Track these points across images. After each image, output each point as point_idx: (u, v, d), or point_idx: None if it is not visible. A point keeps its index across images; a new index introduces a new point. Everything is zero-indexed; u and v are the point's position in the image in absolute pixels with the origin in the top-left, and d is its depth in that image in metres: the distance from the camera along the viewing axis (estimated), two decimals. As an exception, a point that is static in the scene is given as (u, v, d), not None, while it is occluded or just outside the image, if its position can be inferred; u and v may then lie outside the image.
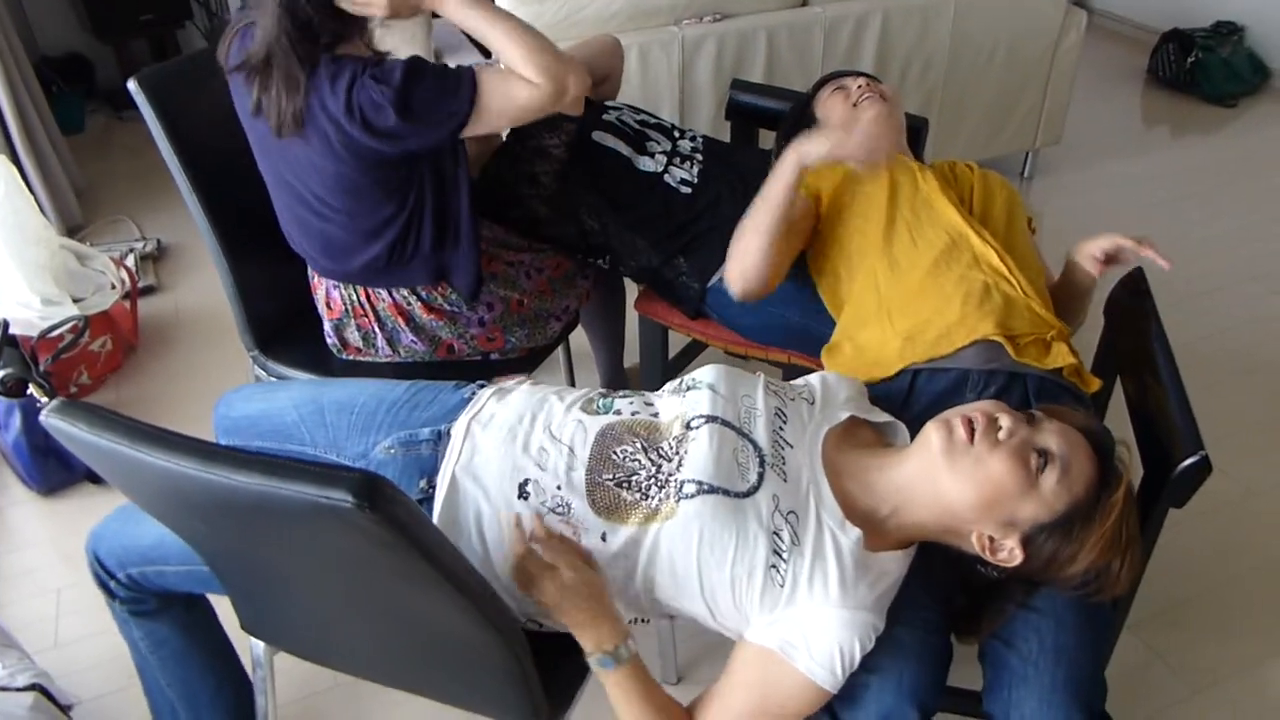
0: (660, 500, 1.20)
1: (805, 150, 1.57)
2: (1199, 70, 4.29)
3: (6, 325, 2.33)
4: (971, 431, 1.19)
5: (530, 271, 1.93)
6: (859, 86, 1.86)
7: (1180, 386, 1.37)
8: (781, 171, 1.60)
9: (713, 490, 1.18)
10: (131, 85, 1.75)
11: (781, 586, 1.17)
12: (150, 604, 1.51)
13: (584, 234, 1.98)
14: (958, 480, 1.18)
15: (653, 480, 1.22)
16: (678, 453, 1.23)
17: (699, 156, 2.00)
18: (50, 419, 1.00)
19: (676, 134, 2.04)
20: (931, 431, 1.22)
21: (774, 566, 1.16)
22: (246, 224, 1.83)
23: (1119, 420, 1.50)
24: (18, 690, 1.70)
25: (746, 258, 1.67)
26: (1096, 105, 4.27)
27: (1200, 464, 1.24)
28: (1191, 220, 3.46)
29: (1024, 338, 1.49)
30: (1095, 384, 1.52)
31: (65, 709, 1.80)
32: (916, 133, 2.08)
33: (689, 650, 1.95)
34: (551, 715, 1.27)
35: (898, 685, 1.23)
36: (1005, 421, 1.20)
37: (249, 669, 1.51)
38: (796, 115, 1.95)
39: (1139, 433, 1.46)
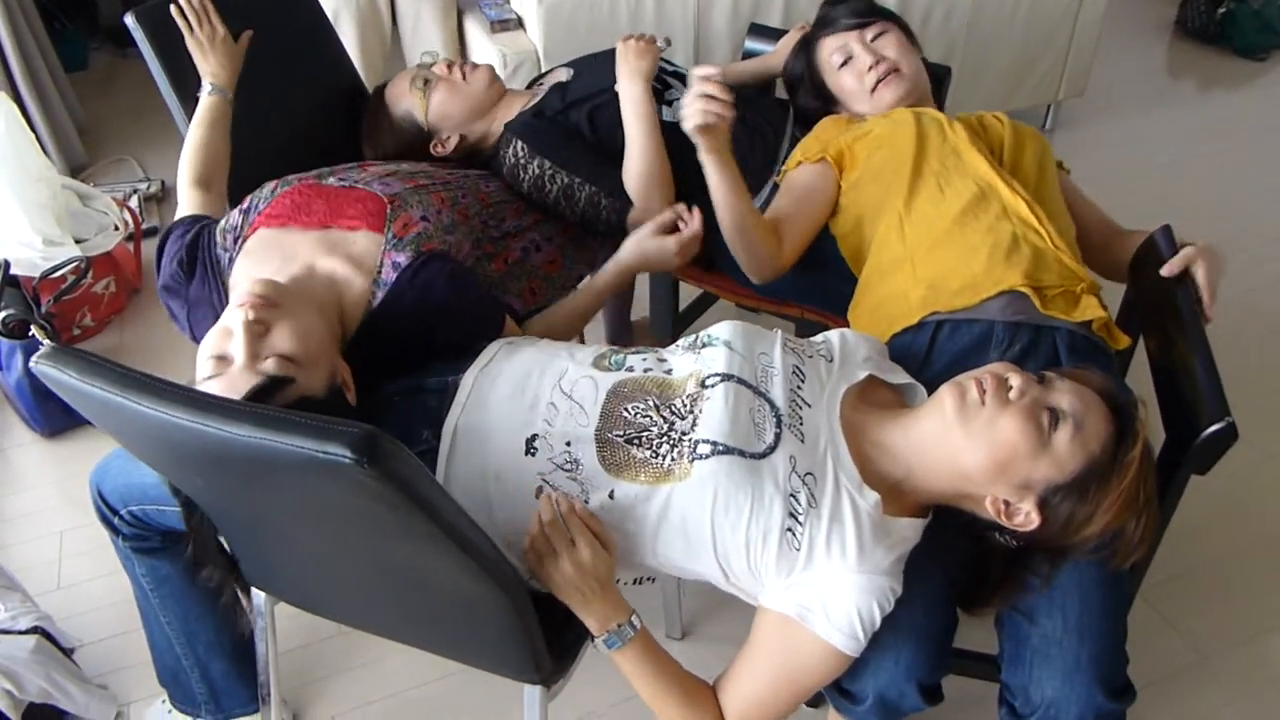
0: (673, 460, 1.17)
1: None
2: (1229, 22, 4.16)
3: (8, 266, 2.30)
4: (983, 393, 1.16)
5: (540, 244, 1.81)
6: (869, 66, 1.77)
7: (1206, 348, 1.32)
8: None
9: (728, 451, 1.15)
10: (129, 20, 1.70)
11: (798, 550, 1.14)
12: (154, 541, 1.50)
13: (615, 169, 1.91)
14: (970, 442, 1.15)
15: (665, 438, 1.18)
16: (692, 411, 1.20)
17: (667, 47, 1.93)
18: (40, 365, 0.96)
19: None
20: (945, 394, 1.19)
21: (790, 530, 1.13)
22: (245, 162, 1.77)
23: (1142, 381, 1.46)
24: (20, 633, 1.70)
25: (745, 240, 1.63)
26: (1122, 57, 4.16)
27: (1226, 431, 1.21)
28: (1217, 176, 3.37)
29: (1052, 289, 1.45)
30: (1124, 340, 1.48)
31: (68, 652, 1.80)
32: (939, 82, 2.01)
33: (694, 605, 1.93)
34: (554, 673, 1.25)
35: (895, 664, 1.21)
36: (1015, 381, 1.17)
37: (251, 615, 1.49)
38: (800, 76, 1.90)
39: (1161, 394, 1.42)
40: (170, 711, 1.73)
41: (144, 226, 2.96)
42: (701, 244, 1.92)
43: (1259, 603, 1.97)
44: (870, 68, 1.77)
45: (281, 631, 1.81)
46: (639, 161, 1.78)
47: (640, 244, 1.67)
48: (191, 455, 0.98)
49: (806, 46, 1.91)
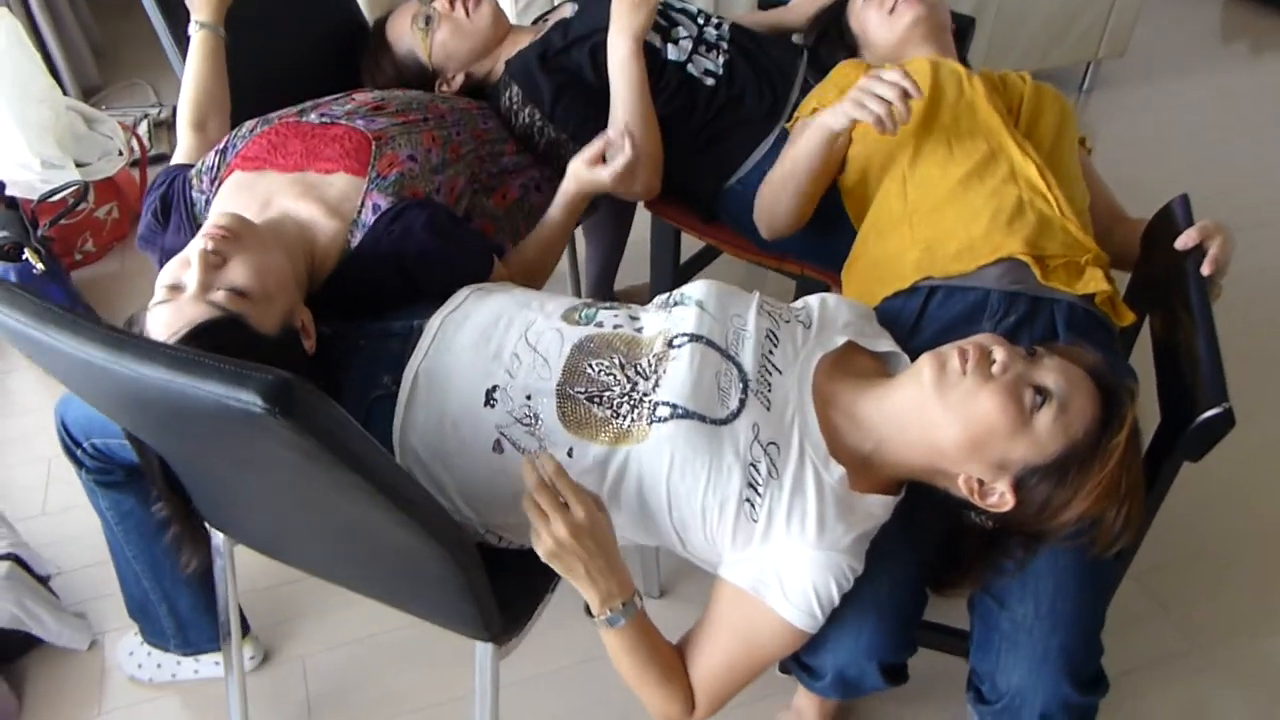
0: (632, 421, 1.12)
1: (829, 122, 1.46)
2: (1289, -17, 3.98)
3: (3, 187, 2.27)
4: (965, 364, 1.09)
5: (540, 184, 1.76)
6: None
7: (1212, 329, 1.25)
8: (811, 135, 1.50)
9: (687, 415, 1.09)
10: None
11: (755, 521, 1.09)
12: (117, 475, 1.48)
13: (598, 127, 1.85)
14: (947, 416, 1.09)
15: (625, 398, 1.13)
16: (655, 371, 1.14)
17: (724, 45, 1.86)
18: (-37, 293, 0.93)
19: (701, 20, 1.89)
20: (924, 364, 1.12)
21: (749, 500, 1.08)
22: (244, 97, 1.71)
23: (1144, 359, 1.39)
24: (-8, 559, 1.70)
25: (777, 215, 1.63)
26: (1169, 14, 3.96)
27: (1222, 417, 1.13)
28: (1260, 147, 3.22)
29: (1054, 259, 1.38)
30: (1129, 317, 1.41)
31: (44, 579, 1.80)
32: (962, 33, 1.92)
33: (672, 564, 1.89)
34: (505, 631, 1.22)
35: (855, 642, 1.16)
36: (999, 355, 1.10)
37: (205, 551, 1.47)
38: (828, 23, 1.83)
39: (1161, 374, 1.34)
40: (142, 644, 1.73)
41: (151, 153, 2.93)
42: (704, 199, 1.86)
43: (1256, 593, 1.90)
44: None
45: (253, 571, 1.81)
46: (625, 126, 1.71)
47: (576, 173, 1.60)
48: (114, 396, 0.94)
49: (837, 7, 1.85)
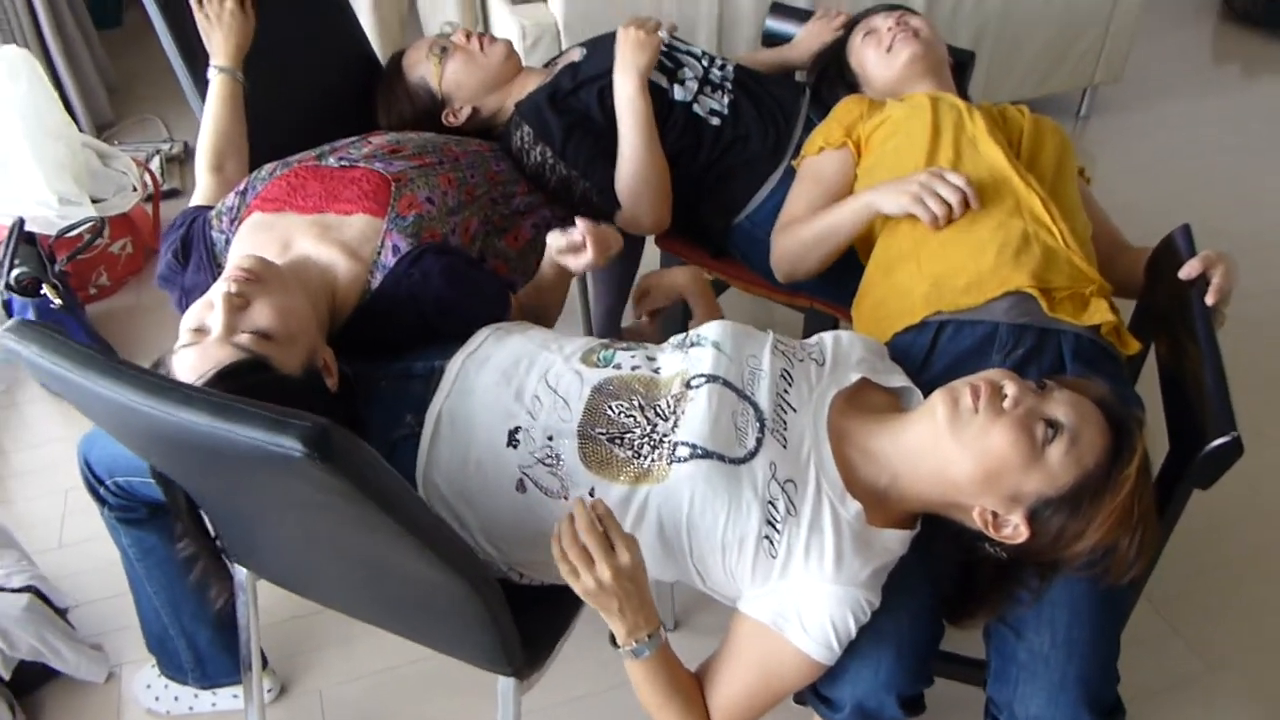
0: (653, 461, 1.14)
1: (882, 206, 1.51)
2: (1278, 4, 4.01)
3: (22, 223, 2.31)
4: (977, 400, 1.12)
5: (551, 222, 1.77)
6: (889, 28, 1.78)
7: (1217, 357, 1.27)
8: (858, 212, 1.56)
9: (706, 455, 1.12)
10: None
11: (774, 558, 1.12)
12: (140, 512, 1.51)
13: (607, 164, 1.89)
14: (961, 451, 1.12)
15: (646, 439, 1.16)
16: (674, 412, 1.17)
17: (729, 86, 1.90)
18: (5, 339, 0.95)
19: (706, 61, 1.93)
20: (937, 400, 1.15)
21: (767, 537, 1.11)
22: (260, 138, 1.74)
23: (1150, 387, 1.42)
24: (13, 591, 1.71)
25: (800, 268, 1.67)
26: (1163, 39, 4.01)
27: (1230, 446, 1.15)
28: (1258, 168, 3.26)
29: (1060, 291, 1.41)
30: (1135, 346, 1.43)
31: (62, 611, 1.82)
32: (962, 68, 1.96)
33: (687, 597, 1.91)
34: (527, 666, 1.24)
35: (874, 674, 1.18)
36: (1010, 390, 1.13)
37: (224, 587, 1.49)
38: (829, 61, 1.88)
39: (1168, 403, 1.37)
40: (160, 676, 1.75)
41: (164, 188, 2.96)
42: (713, 236, 1.89)
43: (1269, 612, 1.92)
44: (889, 29, 1.79)
45: (272, 603, 1.82)
46: (629, 162, 1.76)
47: (549, 257, 1.52)
48: (151, 437, 0.97)
49: (837, 46, 1.91)
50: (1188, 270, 1.40)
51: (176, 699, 1.74)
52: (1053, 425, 1.11)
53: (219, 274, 1.42)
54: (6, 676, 1.66)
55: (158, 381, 0.87)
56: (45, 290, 2.27)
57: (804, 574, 1.12)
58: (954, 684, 1.43)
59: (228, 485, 1.05)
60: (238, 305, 1.19)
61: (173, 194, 3.03)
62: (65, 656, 1.74)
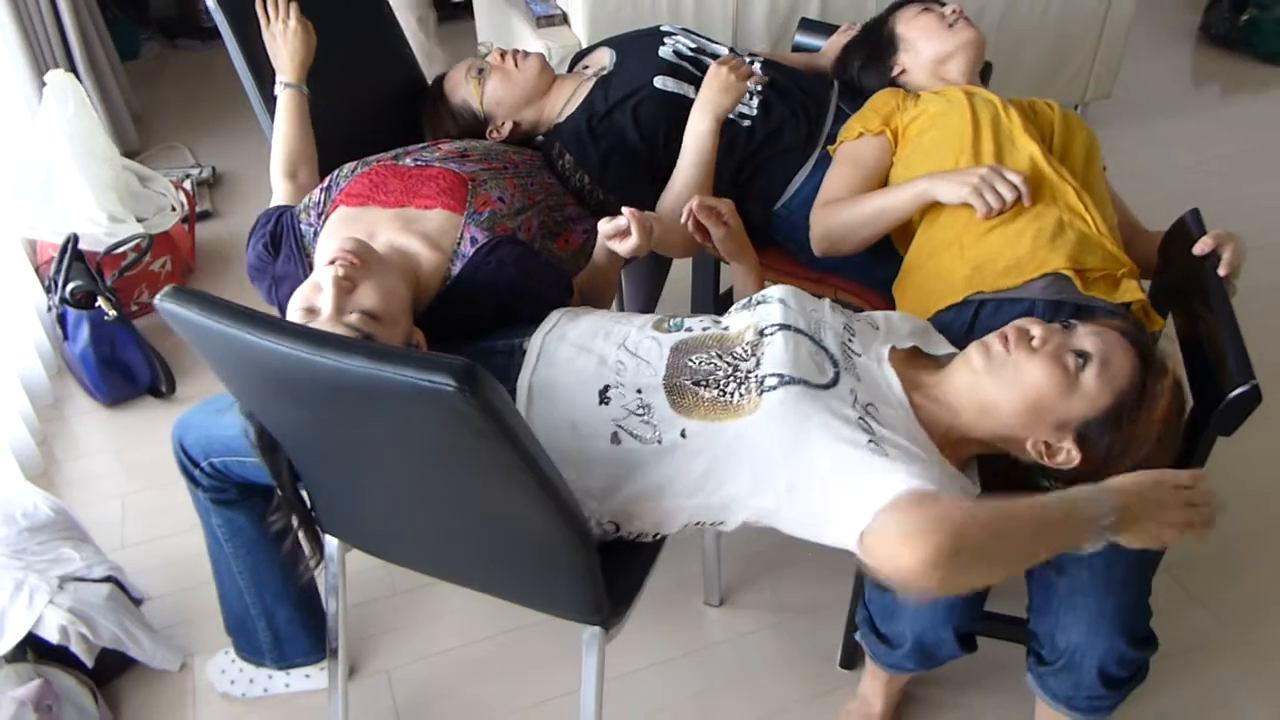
0: (742, 395, 1.22)
1: (939, 194, 1.61)
2: (1251, 28, 4.25)
3: (75, 240, 2.40)
4: (1006, 344, 1.24)
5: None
6: (953, 10, 1.89)
7: (1233, 319, 1.38)
8: (913, 198, 1.65)
9: (794, 381, 1.20)
10: (210, 1, 1.80)
11: (885, 456, 1.14)
12: (231, 493, 1.59)
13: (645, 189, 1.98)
14: (1002, 390, 1.23)
15: (731, 378, 1.25)
16: (754, 354, 1.27)
17: (758, 88, 2.00)
18: (164, 303, 1.05)
19: None
20: (971, 351, 1.27)
21: (872, 440, 1.15)
22: (323, 149, 1.85)
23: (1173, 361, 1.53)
24: (95, 581, 1.79)
25: (845, 244, 1.74)
26: (1148, 61, 4.23)
27: (1250, 393, 1.27)
28: (1240, 179, 3.44)
29: (1094, 272, 1.52)
30: (1160, 322, 1.56)
31: (137, 602, 1.89)
32: (983, 76, 2.09)
33: (732, 572, 2.01)
34: (613, 614, 1.33)
35: (932, 609, 1.28)
36: (1037, 331, 1.25)
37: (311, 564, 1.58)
38: (872, 35, 1.97)
39: (1189, 365, 1.49)
40: (234, 660, 1.82)
41: (197, 210, 3.06)
42: (756, 225, 1.99)
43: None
44: (953, 11, 1.90)
45: (339, 587, 1.90)
46: (677, 197, 1.78)
47: (600, 242, 1.63)
48: (302, 389, 1.06)
49: (874, 23, 2.00)
50: (1201, 246, 1.53)
51: (252, 681, 1.81)
52: (1082, 355, 1.23)
53: (309, 264, 1.53)
54: (90, 665, 1.72)
55: (317, 334, 0.98)
56: (100, 303, 2.36)
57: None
58: (994, 646, 1.52)
59: (362, 436, 1.14)
60: (346, 288, 1.29)
61: (205, 215, 3.13)
62: (144, 645, 1.81)
